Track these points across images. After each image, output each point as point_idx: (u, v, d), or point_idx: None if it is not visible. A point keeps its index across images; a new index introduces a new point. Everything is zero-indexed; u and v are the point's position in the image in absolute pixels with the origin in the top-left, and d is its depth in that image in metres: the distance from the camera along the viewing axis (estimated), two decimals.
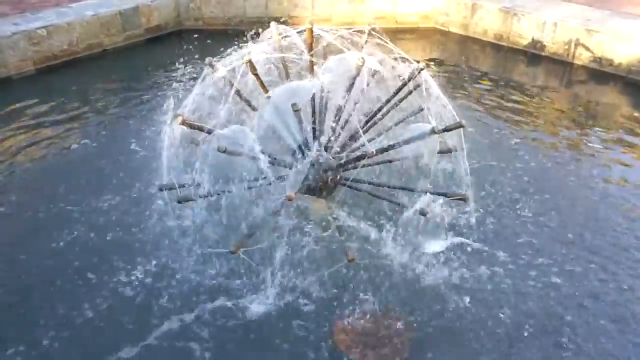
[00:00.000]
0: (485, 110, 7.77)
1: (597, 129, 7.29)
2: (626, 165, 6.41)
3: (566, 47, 9.29)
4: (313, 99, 4.57)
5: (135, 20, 10.27)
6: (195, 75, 4.64)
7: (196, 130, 4.24)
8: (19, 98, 8.05)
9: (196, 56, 8.47)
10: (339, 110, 4.51)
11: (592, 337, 4.12)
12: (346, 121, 4.60)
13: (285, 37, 5.03)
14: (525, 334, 4.12)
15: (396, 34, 10.37)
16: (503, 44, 10.22)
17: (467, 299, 4.36)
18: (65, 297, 4.44)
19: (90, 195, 5.58)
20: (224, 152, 3.80)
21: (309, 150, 4.46)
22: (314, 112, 4.65)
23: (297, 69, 5.13)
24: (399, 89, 4.73)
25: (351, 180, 4.62)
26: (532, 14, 9.74)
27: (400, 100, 4.81)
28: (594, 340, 4.09)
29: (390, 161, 4.83)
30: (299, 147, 4.48)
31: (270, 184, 4.34)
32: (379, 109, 4.84)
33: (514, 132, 7.17)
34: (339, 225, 4.64)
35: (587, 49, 9.03)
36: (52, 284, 4.59)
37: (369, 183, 4.84)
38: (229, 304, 4.29)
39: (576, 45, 9.15)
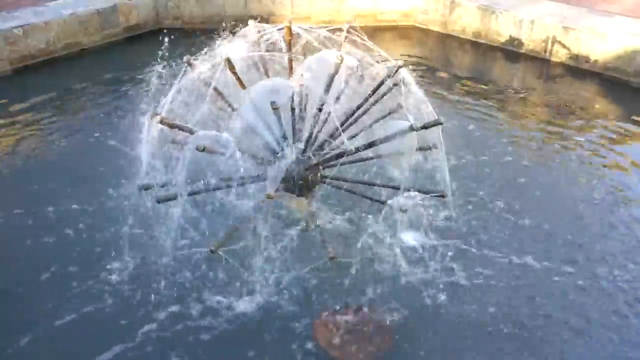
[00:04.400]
0: (463, 107, 7.84)
1: (574, 125, 7.39)
2: (603, 159, 6.51)
3: (543, 44, 9.41)
4: (292, 97, 4.57)
5: (114, 19, 10.17)
6: (174, 74, 4.61)
7: (176, 130, 4.22)
8: None
9: (175, 55, 8.38)
10: (318, 108, 4.52)
11: (565, 331, 4.20)
12: (325, 119, 4.61)
13: (264, 35, 5.02)
14: (504, 328, 4.19)
15: (375, 32, 10.38)
16: (482, 41, 10.30)
17: (448, 295, 4.42)
18: (46, 297, 4.41)
19: (68, 196, 5.53)
20: (203, 150, 3.79)
21: (289, 148, 4.46)
22: (293, 110, 4.65)
23: (276, 67, 5.12)
24: (378, 87, 4.75)
25: (331, 178, 4.63)
26: (509, 12, 9.83)
27: (379, 99, 4.83)
28: (566, 336, 4.17)
29: (369, 159, 4.85)
30: (279, 145, 4.48)
31: (250, 182, 4.34)
32: (358, 107, 4.85)
33: (492, 129, 7.25)
34: (319, 222, 4.65)
35: (564, 46, 9.15)
36: (31, 283, 4.56)
37: (349, 180, 4.85)
38: (209, 302, 4.30)
39: (553, 42, 9.26)
